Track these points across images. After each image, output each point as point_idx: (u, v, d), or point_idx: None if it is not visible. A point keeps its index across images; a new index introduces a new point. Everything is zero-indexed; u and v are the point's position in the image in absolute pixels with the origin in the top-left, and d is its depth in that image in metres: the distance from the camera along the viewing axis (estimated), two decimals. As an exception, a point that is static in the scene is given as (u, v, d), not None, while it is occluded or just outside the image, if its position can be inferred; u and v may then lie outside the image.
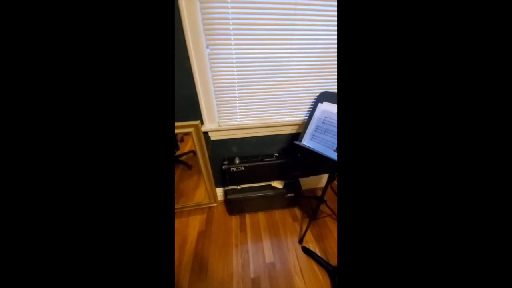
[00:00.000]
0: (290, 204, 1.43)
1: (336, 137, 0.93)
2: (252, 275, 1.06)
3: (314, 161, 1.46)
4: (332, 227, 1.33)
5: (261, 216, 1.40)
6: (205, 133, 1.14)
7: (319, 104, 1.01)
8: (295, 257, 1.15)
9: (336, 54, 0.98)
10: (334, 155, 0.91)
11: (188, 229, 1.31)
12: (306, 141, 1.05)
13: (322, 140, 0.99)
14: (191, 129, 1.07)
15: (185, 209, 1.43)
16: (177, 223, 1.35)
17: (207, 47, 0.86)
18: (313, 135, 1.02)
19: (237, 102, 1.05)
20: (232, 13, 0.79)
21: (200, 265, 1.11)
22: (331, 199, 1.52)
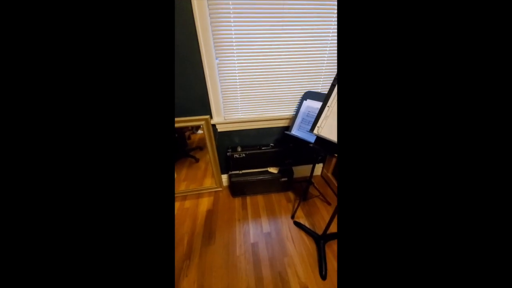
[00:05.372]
0: (284, 188, 1.67)
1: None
2: (252, 241, 1.30)
3: (302, 149, 1.70)
4: (320, 206, 1.56)
5: (260, 198, 1.64)
6: (213, 125, 1.40)
7: (304, 101, 1.27)
8: (287, 229, 1.38)
9: (318, 61, 1.25)
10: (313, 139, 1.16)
11: (198, 208, 1.56)
12: (294, 131, 1.31)
13: (307, 130, 1.24)
14: (202, 122, 1.33)
15: (195, 192, 1.68)
16: (189, 204, 1.60)
17: (216, 59, 1.14)
18: (300, 126, 1.28)
19: (238, 100, 1.32)
20: (235, 32, 1.07)
21: (209, 234, 1.35)
22: (320, 184, 1.76)
